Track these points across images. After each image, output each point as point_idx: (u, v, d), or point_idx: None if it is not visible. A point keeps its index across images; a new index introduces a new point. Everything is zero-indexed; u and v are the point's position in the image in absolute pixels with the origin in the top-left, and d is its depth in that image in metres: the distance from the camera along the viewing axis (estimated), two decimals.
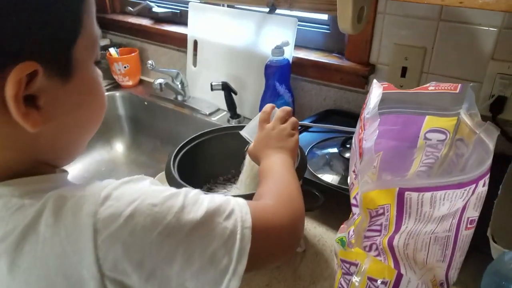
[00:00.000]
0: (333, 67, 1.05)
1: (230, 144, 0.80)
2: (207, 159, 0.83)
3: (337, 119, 1.06)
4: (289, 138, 0.65)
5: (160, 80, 1.19)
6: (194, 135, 0.81)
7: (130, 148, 1.47)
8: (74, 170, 1.35)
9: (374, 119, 0.48)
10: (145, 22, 1.44)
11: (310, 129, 1.03)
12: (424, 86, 0.54)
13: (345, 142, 0.90)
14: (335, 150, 0.92)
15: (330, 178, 0.83)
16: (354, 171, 0.53)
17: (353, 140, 0.55)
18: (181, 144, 0.78)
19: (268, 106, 0.69)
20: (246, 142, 0.72)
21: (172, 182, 0.68)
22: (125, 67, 1.41)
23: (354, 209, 0.51)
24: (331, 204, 0.77)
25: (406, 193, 0.45)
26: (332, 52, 1.10)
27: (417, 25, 0.89)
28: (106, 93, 1.45)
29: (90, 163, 1.40)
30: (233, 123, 1.20)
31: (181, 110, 1.30)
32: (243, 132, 0.71)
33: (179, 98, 1.33)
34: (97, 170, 1.39)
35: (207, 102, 1.30)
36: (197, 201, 0.40)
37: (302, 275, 0.71)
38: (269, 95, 1.08)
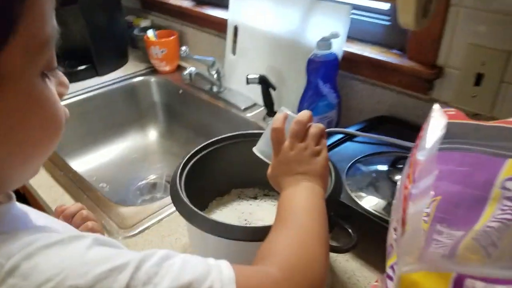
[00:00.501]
0: (391, 66, 0.89)
1: (249, 153, 0.70)
2: (222, 170, 0.72)
3: (391, 128, 0.91)
4: (314, 158, 0.51)
5: (190, 70, 1.08)
6: (208, 142, 0.70)
7: (164, 136, 1.40)
8: (109, 154, 1.31)
9: (430, 167, 0.34)
10: (186, 3, 1.33)
11: (356, 139, 0.88)
12: (509, 119, 0.39)
13: (396, 161, 0.75)
14: (384, 168, 0.77)
15: (372, 203, 0.69)
16: (395, 229, 0.40)
17: (397, 188, 0.41)
18: (191, 152, 0.67)
19: (278, 119, 0.53)
20: None
21: (176, 199, 0.58)
22: (162, 52, 1.33)
23: (389, 284, 0.37)
24: (370, 235, 0.64)
25: (468, 280, 0.31)
26: (392, 49, 0.93)
27: (501, 23, 0.71)
28: (142, 78, 1.40)
29: (124, 148, 1.35)
30: (270, 121, 1.08)
31: (215, 102, 1.20)
32: (256, 150, 0.59)
33: (214, 89, 1.22)
34: (128, 157, 1.33)
35: (243, 96, 1.18)
36: (154, 277, 0.28)
37: None
38: (310, 95, 0.94)
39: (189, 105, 1.30)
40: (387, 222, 0.67)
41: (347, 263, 0.70)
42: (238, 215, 0.70)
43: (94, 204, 0.84)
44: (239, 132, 0.72)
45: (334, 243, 0.72)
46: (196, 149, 0.68)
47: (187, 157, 0.67)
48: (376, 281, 0.48)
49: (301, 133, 0.52)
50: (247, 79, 1.04)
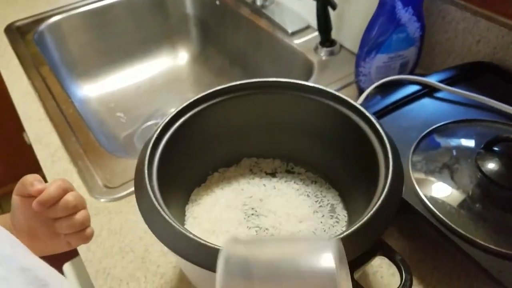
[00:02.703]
0: None
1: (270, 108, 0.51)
2: (231, 130, 0.55)
3: (493, 83, 0.67)
4: None
5: None
6: (210, 91, 0.51)
7: (196, 61, 1.22)
8: (130, 77, 1.16)
9: None
10: None
11: (438, 94, 0.66)
12: None
13: (494, 142, 0.52)
14: (471, 144, 0.56)
15: (444, 198, 0.50)
16: None
17: None
18: (161, 126, 0.48)
19: None
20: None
21: (143, 200, 0.41)
22: None
23: None
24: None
25: None
26: None
27: None
28: None
29: (148, 71, 1.19)
30: (323, 52, 0.87)
31: (257, 21, 0.98)
32: None
33: (258, 1, 1.00)
34: (153, 82, 1.18)
35: (294, 14, 0.96)
36: None
37: None
38: (383, 22, 0.71)
39: (227, 22, 1.10)
40: (461, 237, 0.47)
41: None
42: (244, 200, 0.52)
43: (82, 149, 0.71)
44: (256, 80, 0.52)
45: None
46: (193, 99, 0.51)
47: (154, 138, 0.47)
48: None
49: None
50: None
